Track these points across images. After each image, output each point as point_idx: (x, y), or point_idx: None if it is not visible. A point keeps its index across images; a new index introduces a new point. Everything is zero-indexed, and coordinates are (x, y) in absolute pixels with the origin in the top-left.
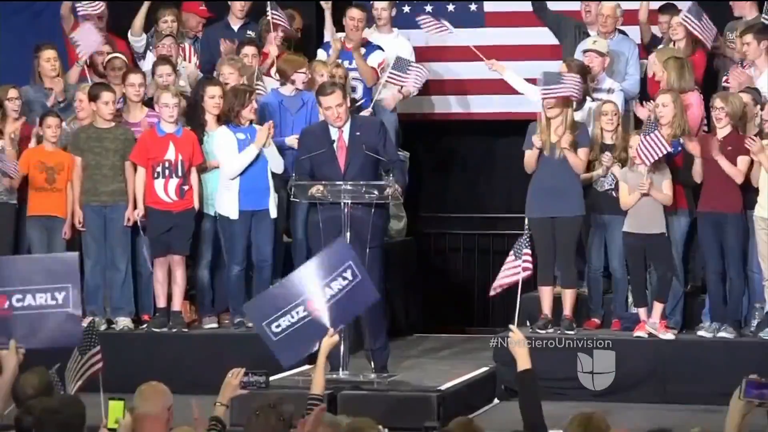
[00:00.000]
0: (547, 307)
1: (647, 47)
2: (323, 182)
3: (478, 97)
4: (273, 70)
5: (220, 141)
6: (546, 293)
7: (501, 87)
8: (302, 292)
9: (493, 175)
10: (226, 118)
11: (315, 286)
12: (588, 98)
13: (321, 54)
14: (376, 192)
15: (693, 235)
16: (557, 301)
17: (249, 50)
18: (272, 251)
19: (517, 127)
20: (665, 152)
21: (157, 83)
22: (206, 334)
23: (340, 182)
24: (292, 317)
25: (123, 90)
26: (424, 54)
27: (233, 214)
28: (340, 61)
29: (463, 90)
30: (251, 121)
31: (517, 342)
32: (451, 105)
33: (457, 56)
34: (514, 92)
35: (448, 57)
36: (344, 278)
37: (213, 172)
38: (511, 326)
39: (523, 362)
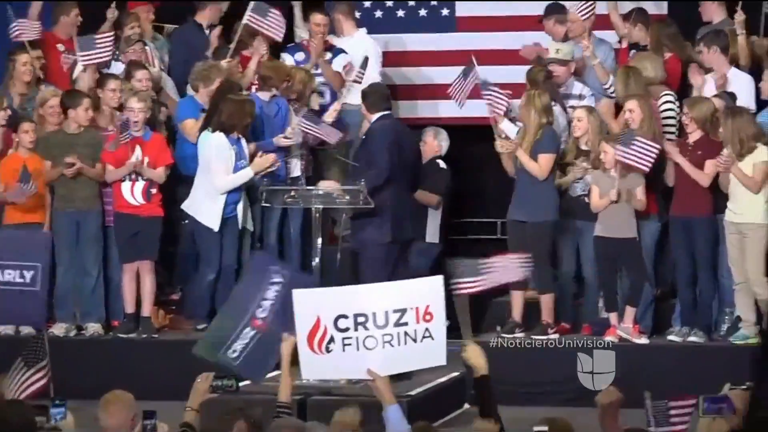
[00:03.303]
0: (517, 311)
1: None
2: (294, 188)
3: (447, 102)
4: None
5: (216, 150)
6: (517, 297)
7: (471, 92)
8: (245, 313)
9: (463, 180)
10: (222, 126)
11: (253, 303)
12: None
13: (286, 58)
14: (347, 197)
15: (663, 239)
16: (529, 306)
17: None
18: (237, 256)
19: (489, 131)
20: (656, 150)
21: (135, 87)
22: (175, 340)
23: (312, 187)
24: (244, 339)
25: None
26: (393, 58)
27: (215, 226)
28: (310, 67)
29: (433, 95)
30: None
31: (473, 353)
32: (419, 110)
33: (425, 61)
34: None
35: (417, 61)
36: (275, 282)
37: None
38: (465, 342)
39: (482, 369)
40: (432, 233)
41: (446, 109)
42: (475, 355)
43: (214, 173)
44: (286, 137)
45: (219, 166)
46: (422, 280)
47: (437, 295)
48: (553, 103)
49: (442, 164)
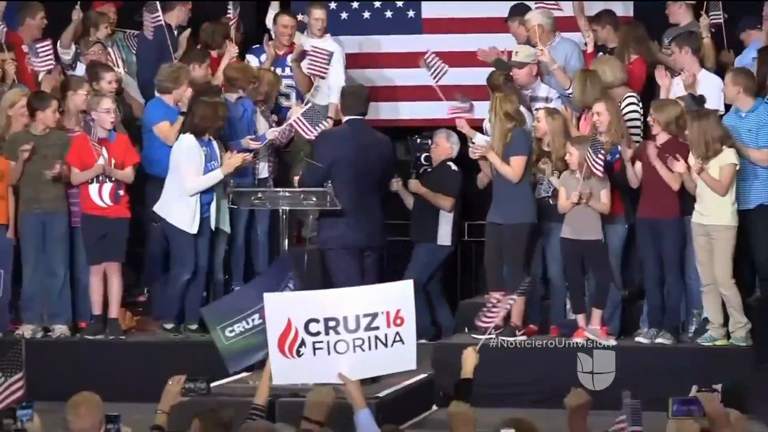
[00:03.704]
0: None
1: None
2: (261, 189)
3: (412, 103)
4: None
5: (186, 152)
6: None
7: (433, 94)
8: (258, 302)
9: None
10: (195, 128)
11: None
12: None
13: (251, 59)
14: (314, 199)
15: (631, 241)
16: None
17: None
18: (208, 258)
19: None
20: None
21: (104, 89)
22: (142, 341)
23: (279, 189)
24: (247, 324)
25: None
26: (357, 60)
27: (190, 228)
28: (272, 68)
29: (395, 97)
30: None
31: (468, 357)
32: (381, 111)
33: (391, 63)
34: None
35: (381, 63)
36: (289, 288)
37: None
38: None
39: (467, 373)
40: (444, 235)
41: (411, 110)
42: (469, 360)
43: (184, 175)
44: (253, 139)
45: (189, 168)
46: (393, 285)
47: (408, 300)
48: None
49: (453, 166)
